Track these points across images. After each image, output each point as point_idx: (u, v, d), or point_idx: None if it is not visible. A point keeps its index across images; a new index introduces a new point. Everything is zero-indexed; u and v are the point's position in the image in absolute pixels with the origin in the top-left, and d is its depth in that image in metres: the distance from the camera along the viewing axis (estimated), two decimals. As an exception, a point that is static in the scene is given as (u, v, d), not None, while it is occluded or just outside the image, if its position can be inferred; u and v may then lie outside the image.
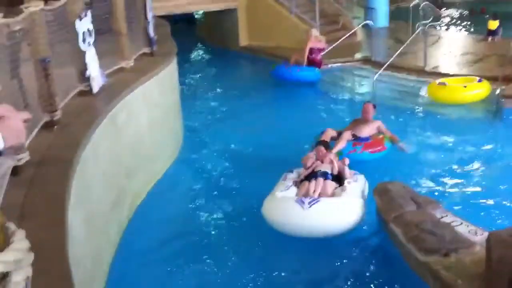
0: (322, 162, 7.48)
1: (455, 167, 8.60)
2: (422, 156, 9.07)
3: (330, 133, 8.56)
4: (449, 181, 8.11)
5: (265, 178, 7.63)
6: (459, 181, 8.09)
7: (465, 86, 10.97)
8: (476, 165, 8.72)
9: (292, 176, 7.43)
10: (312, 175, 7.20)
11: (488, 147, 9.43)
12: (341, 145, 8.27)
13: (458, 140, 9.82)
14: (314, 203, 6.47)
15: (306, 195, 6.82)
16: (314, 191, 6.89)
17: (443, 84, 11.12)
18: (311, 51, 13.71)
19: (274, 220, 6.62)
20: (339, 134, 8.57)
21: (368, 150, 8.47)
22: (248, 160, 9.18)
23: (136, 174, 7.63)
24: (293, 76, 13.35)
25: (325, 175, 7.17)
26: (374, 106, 9.20)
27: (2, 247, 1.31)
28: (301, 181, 7.24)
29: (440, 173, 8.39)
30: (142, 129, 8.04)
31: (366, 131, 8.83)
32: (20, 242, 1.30)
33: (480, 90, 11.03)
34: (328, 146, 7.97)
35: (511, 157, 9.05)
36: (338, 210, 6.57)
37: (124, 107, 7.35)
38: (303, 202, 6.48)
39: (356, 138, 8.65)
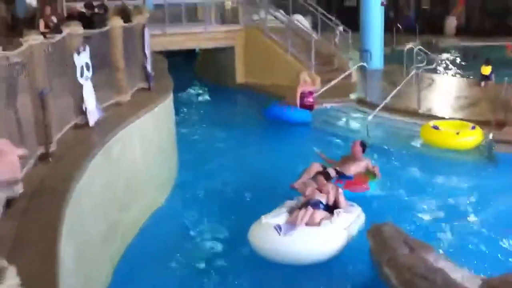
0: (320, 191, 7.62)
1: (448, 211, 8.61)
2: (415, 199, 9.08)
3: (315, 167, 8.76)
4: (442, 225, 8.09)
5: (258, 209, 7.65)
6: (451, 225, 8.08)
7: (457, 133, 10.97)
8: (468, 209, 8.74)
9: (291, 203, 7.61)
10: (306, 204, 7.34)
11: (481, 191, 9.45)
12: (307, 177, 8.53)
13: (451, 183, 9.86)
14: (290, 231, 6.73)
15: (293, 222, 6.96)
16: (302, 219, 6.98)
17: (436, 128, 11.18)
18: (302, 94, 13.92)
19: (255, 244, 6.88)
20: (324, 169, 8.74)
21: (349, 188, 8.54)
22: (241, 193, 9.22)
23: (130, 207, 7.59)
24: (284, 117, 13.53)
25: (317, 204, 7.33)
26: (364, 145, 9.35)
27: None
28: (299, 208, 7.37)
29: (433, 216, 8.41)
30: (136, 163, 8.05)
31: (352, 169, 9.00)
32: (11, 279, 1.30)
33: (472, 137, 11.03)
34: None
35: (504, 202, 9.06)
36: (313, 239, 6.75)
37: (119, 140, 7.37)
38: (280, 229, 6.76)
39: (340, 175, 8.79)
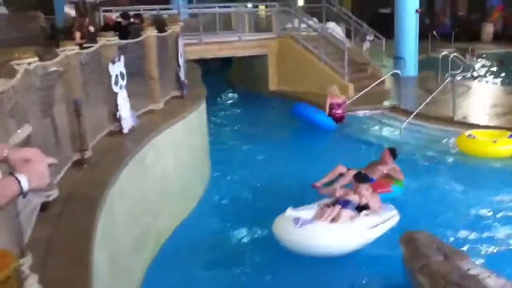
0: (354, 193, 7.84)
1: (483, 219, 8.47)
2: (449, 207, 8.95)
3: (340, 169, 9.25)
4: (477, 233, 7.96)
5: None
6: (487, 234, 7.95)
7: (494, 141, 10.77)
8: (504, 218, 8.57)
9: (324, 201, 7.87)
10: (336, 202, 7.68)
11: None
12: (343, 181, 8.88)
13: (486, 192, 9.67)
14: (306, 224, 7.13)
15: (318, 218, 7.33)
16: (328, 216, 7.31)
17: (472, 137, 10.98)
18: (331, 106, 13.93)
19: (274, 233, 7.31)
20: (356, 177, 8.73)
21: None
22: (271, 199, 9.21)
23: (161, 213, 7.71)
24: (308, 116, 13.62)
25: (346, 204, 7.61)
26: (394, 151, 9.39)
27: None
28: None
29: (467, 224, 8.26)
30: (169, 170, 8.16)
31: (377, 173, 9.09)
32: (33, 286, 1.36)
33: (510, 145, 10.81)
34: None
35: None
36: (325, 235, 7.09)
37: (152, 148, 7.49)
38: (298, 222, 7.14)
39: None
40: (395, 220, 7.77)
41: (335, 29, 19.22)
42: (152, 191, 7.46)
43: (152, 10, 18.65)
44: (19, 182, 1.79)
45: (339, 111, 13.96)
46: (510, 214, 8.67)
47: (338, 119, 13.92)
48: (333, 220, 7.30)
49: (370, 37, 19.03)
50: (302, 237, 7.04)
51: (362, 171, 8.84)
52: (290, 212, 7.38)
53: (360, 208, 7.66)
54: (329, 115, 13.88)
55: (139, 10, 16.62)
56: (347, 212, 7.47)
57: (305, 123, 13.69)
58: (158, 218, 7.59)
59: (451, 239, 7.62)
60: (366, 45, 18.82)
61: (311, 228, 7.10)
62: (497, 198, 9.33)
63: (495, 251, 7.42)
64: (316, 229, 7.12)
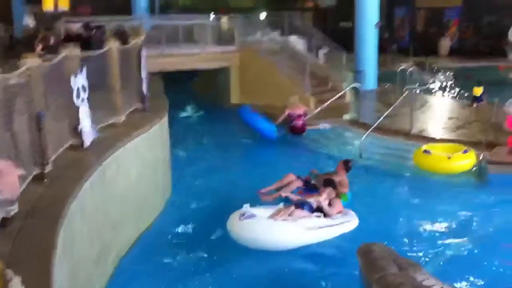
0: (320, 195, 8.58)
1: (436, 232, 8.75)
2: (405, 219, 9.21)
3: (290, 177, 9.73)
4: (430, 245, 8.21)
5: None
6: (439, 246, 8.21)
7: (449, 157, 10.93)
8: (459, 229, 8.86)
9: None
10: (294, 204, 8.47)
11: (472, 212, 9.58)
12: (288, 188, 9.47)
13: (443, 204, 9.97)
14: (248, 218, 7.88)
15: (273, 215, 8.08)
16: (281, 214, 8.06)
17: (428, 152, 11.16)
18: (291, 117, 14.17)
19: (227, 226, 8.07)
20: (298, 178, 9.69)
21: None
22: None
23: (122, 227, 7.71)
24: (250, 121, 14.04)
25: (302, 205, 8.36)
26: (347, 164, 9.88)
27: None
28: None
29: (421, 237, 8.52)
30: (130, 183, 8.16)
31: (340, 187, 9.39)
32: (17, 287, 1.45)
33: (464, 161, 11.00)
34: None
35: (493, 223, 9.18)
36: (264, 229, 7.77)
37: (113, 161, 7.49)
38: (242, 216, 7.92)
39: (306, 187, 9.56)
40: (349, 226, 8.29)
41: (297, 43, 19.51)
42: (113, 205, 7.46)
43: (114, 21, 18.58)
44: None
45: (299, 122, 14.19)
46: (461, 227, 8.96)
47: (298, 130, 14.16)
48: (287, 220, 8.01)
49: (323, 51, 19.41)
50: (243, 229, 7.83)
51: (313, 181, 9.51)
52: (244, 208, 8.14)
53: (317, 210, 8.26)
54: (290, 128, 14.11)
55: (101, 22, 16.51)
56: (301, 212, 8.16)
57: (249, 127, 13.91)
58: (119, 231, 7.59)
59: (406, 251, 7.83)
60: (321, 57, 19.09)
61: (252, 222, 7.84)
62: (450, 212, 9.61)
63: (447, 262, 7.66)
64: (256, 224, 7.84)
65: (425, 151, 11.20)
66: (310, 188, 9.51)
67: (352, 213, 8.68)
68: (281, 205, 8.59)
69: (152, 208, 9.16)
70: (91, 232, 6.52)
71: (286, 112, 14.22)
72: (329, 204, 8.54)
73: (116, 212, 7.51)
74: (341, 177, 9.54)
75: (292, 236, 7.87)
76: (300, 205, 8.36)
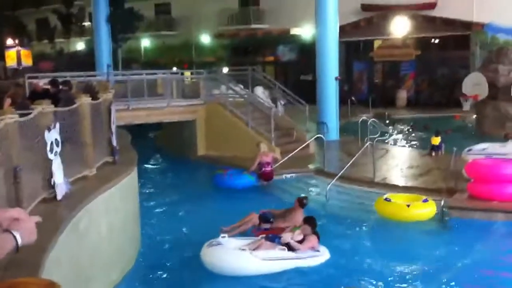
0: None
1: (403, 273, 8.99)
2: (372, 266, 9.41)
3: (252, 216, 10.47)
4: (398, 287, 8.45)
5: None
6: (408, 286, 8.44)
7: (408, 205, 11.13)
8: (423, 272, 9.12)
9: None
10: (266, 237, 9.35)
11: (435, 256, 9.87)
12: (243, 227, 10.31)
13: (406, 248, 10.25)
14: (213, 246, 8.93)
15: (245, 246, 9.02)
16: (251, 245, 9.05)
17: (388, 200, 11.40)
18: (261, 164, 14.51)
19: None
20: (260, 218, 10.41)
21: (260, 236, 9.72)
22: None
23: (94, 279, 7.69)
24: (228, 184, 14.36)
25: (273, 238, 9.26)
26: (302, 200, 10.68)
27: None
28: None
29: (388, 279, 8.74)
30: (102, 236, 8.20)
31: (283, 222, 10.30)
32: None
33: (424, 210, 11.21)
34: (309, 221, 9.56)
35: (458, 266, 9.47)
36: (222, 256, 8.73)
37: (85, 214, 7.54)
38: (211, 243, 9.03)
39: (259, 224, 10.32)
40: (315, 260, 9.12)
41: (261, 94, 20.05)
42: (85, 257, 7.48)
43: (79, 76, 18.79)
44: (15, 238, 1.99)
45: (268, 169, 14.53)
46: (425, 269, 9.25)
47: (267, 176, 14.47)
48: (255, 249, 8.91)
49: (282, 101, 20.01)
50: (207, 255, 8.87)
51: (271, 219, 10.39)
52: (220, 237, 9.14)
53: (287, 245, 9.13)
54: (259, 174, 14.42)
55: (66, 77, 16.67)
56: (269, 245, 9.05)
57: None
58: (92, 283, 7.57)
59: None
60: (279, 110, 19.59)
61: (214, 249, 8.86)
62: (416, 257, 9.89)
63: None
64: (217, 251, 8.82)
65: (385, 199, 11.45)
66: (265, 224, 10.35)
67: (324, 249, 9.39)
68: (259, 237, 9.38)
69: (124, 260, 9.15)
70: (67, 283, 6.51)
71: (257, 160, 14.53)
72: (303, 240, 9.24)
73: (89, 264, 7.52)
74: (299, 213, 10.39)
75: (247, 264, 8.76)
76: (271, 238, 9.27)
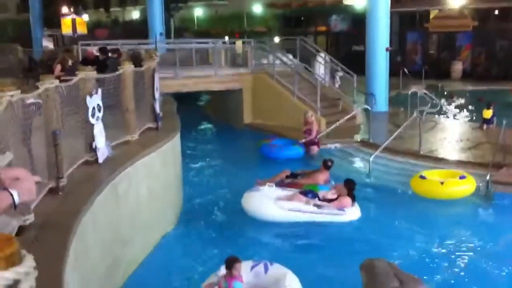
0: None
1: (442, 249, 8.87)
2: (410, 236, 9.34)
3: (285, 172, 11.47)
4: (437, 261, 8.36)
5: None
6: (445, 262, 8.35)
7: (442, 183, 10.88)
8: (464, 247, 8.98)
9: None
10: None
11: (478, 230, 9.70)
12: (273, 180, 11.05)
13: (449, 223, 10.10)
14: (252, 191, 10.16)
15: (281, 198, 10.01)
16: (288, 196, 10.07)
17: (423, 177, 11.17)
18: (308, 132, 14.55)
19: None
20: (292, 174, 11.47)
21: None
22: (240, 225, 9.78)
23: (133, 242, 7.94)
24: (276, 154, 14.28)
25: (307, 193, 10.11)
26: (327, 163, 11.41)
27: (18, 264, 1.75)
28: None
29: (428, 253, 8.66)
30: (142, 199, 8.43)
31: (306, 180, 11.12)
32: (30, 261, 1.74)
33: (460, 187, 10.92)
34: (349, 183, 10.23)
35: (498, 241, 9.29)
36: (255, 201, 9.90)
37: (125, 177, 7.77)
38: (253, 189, 10.25)
39: (286, 178, 11.28)
40: (343, 217, 9.75)
41: (322, 62, 19.93)
42: (124, 220, 7.72)
43: (131, 44, 19.13)
44: (12, 196, 2.12)
45: (316, 138, 14.63)
46: (469, 243, 9.10)
47: (314, 145, 14.51)
48: (289, 199, 9.89)
49: (339, 74, 19.76)
50: (244, 200, 10.03)
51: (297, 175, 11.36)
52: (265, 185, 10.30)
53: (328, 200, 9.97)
54: (306, 141, 14.57)
55: (117, 45, 17.01)
56: (300, 197, 9.88)
57: (275, 159, 14.17)
58: (129, 247, 7.83)
59: (409, 266, 7.94)
60: (337, 81, 19.48)
61: (251, 196, 10.01)
62: (458, 229, 9.76)
63: (451, 278, 7.80)
64: (253, 197, 9.95)
65: (421, 176, 11.23)
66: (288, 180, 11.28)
67: (355, 210, 9.97)
68: (297, 190, 10.26)
69: (163, 226, 9.40)
70: (103, 245, 6.78)
71: (315, 127, 14.78)
72: (336, 199, 9.94)
73: (127, 227, 7.77)
74: (323, 174, 11.27)
75: (273, 212, 9.72)
76: (305, 192, 10.08)
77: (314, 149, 14.69)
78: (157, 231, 9.09)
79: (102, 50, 13.64)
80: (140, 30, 32.34)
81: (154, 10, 30.46)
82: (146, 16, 31.84)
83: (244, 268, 6.76)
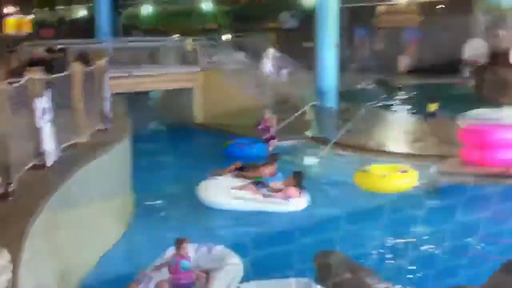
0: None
1: (388, 239, 9.13)
2: (359, 227, 9.51)
3: (236, 165, 12.08)
4: (382, 253, 8.63)
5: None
6: (391, 254, 8.63)
7: (383, 176, 11.12)
8: (411, 238, 9.25)
9: None
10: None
11: (424, 221, 9.98)
12: (224, 172, 11.84)
13: (393, 216, 10.32)
14: (208, 182, 11.14)
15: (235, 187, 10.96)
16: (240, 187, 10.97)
17: (367, 171, 11.42)
18: (266, 129, 14.66)
19: None
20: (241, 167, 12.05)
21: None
22: (195, 219, 10.09)
23: (85, 246, 7.85)
24: (245, 153, 14.18)
25: (257, 183, 11.00)
26: (274, 155, 12.28)
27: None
28: None
29: (375, 243, 8.89)
30: (93, 202, 8.33)
31: (252, 173, 11.68)
32: (5, 255, 1.77)
33: (402, 180, 11.19)
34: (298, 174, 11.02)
35: (445, 231, 9.57)
36: (209, 189, 10.90)
37: (75, 180, 7.66)
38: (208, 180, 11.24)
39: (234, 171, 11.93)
40: (282, 207, 10.48)
41: (272, 57, 20.02)
42: (75, 223, 7.62)
43: (77, 44, 18.80)
44: None
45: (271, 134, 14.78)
46: (414, 231, 9.38)
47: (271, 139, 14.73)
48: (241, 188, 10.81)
49: (286, 70, 19.94)
50: (201, 188, 10.93)
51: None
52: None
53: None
54: (266, 137, 14.70)
55: (64, 45, 16.70)
56: (253, 187, 10.78)
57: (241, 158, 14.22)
58: (82, 250, 7.74)
59: (360, 256, 8.16)
60: (284, 77, 19.58)
61: (208, 182, 11.03)
62: (405, 221, 9.96)
63: (398, 267, 8.05)
64: (208, 184, 10.95)
65: (364, 170, 11.45)
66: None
67: (302, 200, 10.63)
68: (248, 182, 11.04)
69: (115, 227, 9.33)
70: (55, 249, 6.70)
71: (273, 125, 14.89)
72: (281, 190, 10.71)
73: (79, 230, 7.68)
74: (268, 167, 11.77)
75: (226, 200, 10.56)
76: (256, 183, 10.94)
77: (273, 143, 14.78)
78: (110, 233, 9.02)
79: (49, 50, 13.42)
80: (86, 29, 31.77)
81: (101, 8, 29.98)
82: (93, 15, 31.31)
83: (190, 251, 7.29)
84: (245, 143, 14.73)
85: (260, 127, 14.86)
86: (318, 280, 7.03)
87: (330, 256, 7.15)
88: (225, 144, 14.91)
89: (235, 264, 7.38)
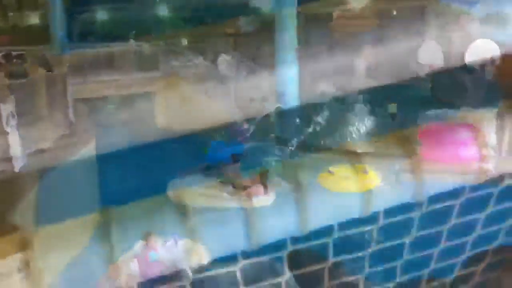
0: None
1: (355, 238, 9.22)
2: (323, 229, 9.65)
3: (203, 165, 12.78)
4: (349, 250, 8.72)
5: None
6: (359, 252, 8.69)
7: (346, 177, 11.54)
8: (377, 237, 9.39)
9: None
10: None
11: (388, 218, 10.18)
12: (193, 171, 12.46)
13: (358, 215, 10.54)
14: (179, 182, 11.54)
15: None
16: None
17: (330, 172, 11.80)
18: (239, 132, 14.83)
19: None
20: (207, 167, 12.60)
21: None
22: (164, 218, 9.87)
23: (54, 250, 7.74)
24: (222, 156, 14.27)
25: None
26: (234, 157, 12.69)
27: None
28: None
29: (341, 241, 9.01)
30: (62, 205, 8.21)
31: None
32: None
33: (363, 181, 11.49)
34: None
35: (407, 225, 9.80)
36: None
37: (43, 185, 7.56)
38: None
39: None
40: (251, 204, 10.78)
41: (226, 63, 20.04)
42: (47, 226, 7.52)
43: (35, 49, 18.42)
44: None
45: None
46: (367, 236, 9.54)
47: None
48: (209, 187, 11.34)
49: (244, 72, 20.03)
50: (172, 186, 11.32)
51: None
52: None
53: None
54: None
55: (21, 51, 16.34)
56: (220, 185, 11.40)
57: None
58: (53, 251, 7.62)
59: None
60: (241, 79, 19.63)
61: (178, 182, 11.43)
62: (354, 223, 10.16)
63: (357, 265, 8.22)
64: (178, 184, 11.40)
65: (329, 171, 11.81)
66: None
67: (266, 198, 11.05)
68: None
69: (83, 232, 9.21)
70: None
71: (238, 127, 15.10)
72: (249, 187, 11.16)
73: (50, 233, 7.57)
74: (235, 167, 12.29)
75: (194, 198, 10.87)
76: (222, 182, 11.54)
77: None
78: (78, 239, 8.90)
79: (7, 56, 13.10)
80: (42, 35, 31.12)
81: (55, 14, 29.45)
82: (48, 21, 30.71)
83: (158, 244, 7.69)
84: (224, 146, 14.79)
85: (232, 129, 14.96)
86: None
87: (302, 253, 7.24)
88: (206, 150, 14.94)
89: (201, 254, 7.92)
